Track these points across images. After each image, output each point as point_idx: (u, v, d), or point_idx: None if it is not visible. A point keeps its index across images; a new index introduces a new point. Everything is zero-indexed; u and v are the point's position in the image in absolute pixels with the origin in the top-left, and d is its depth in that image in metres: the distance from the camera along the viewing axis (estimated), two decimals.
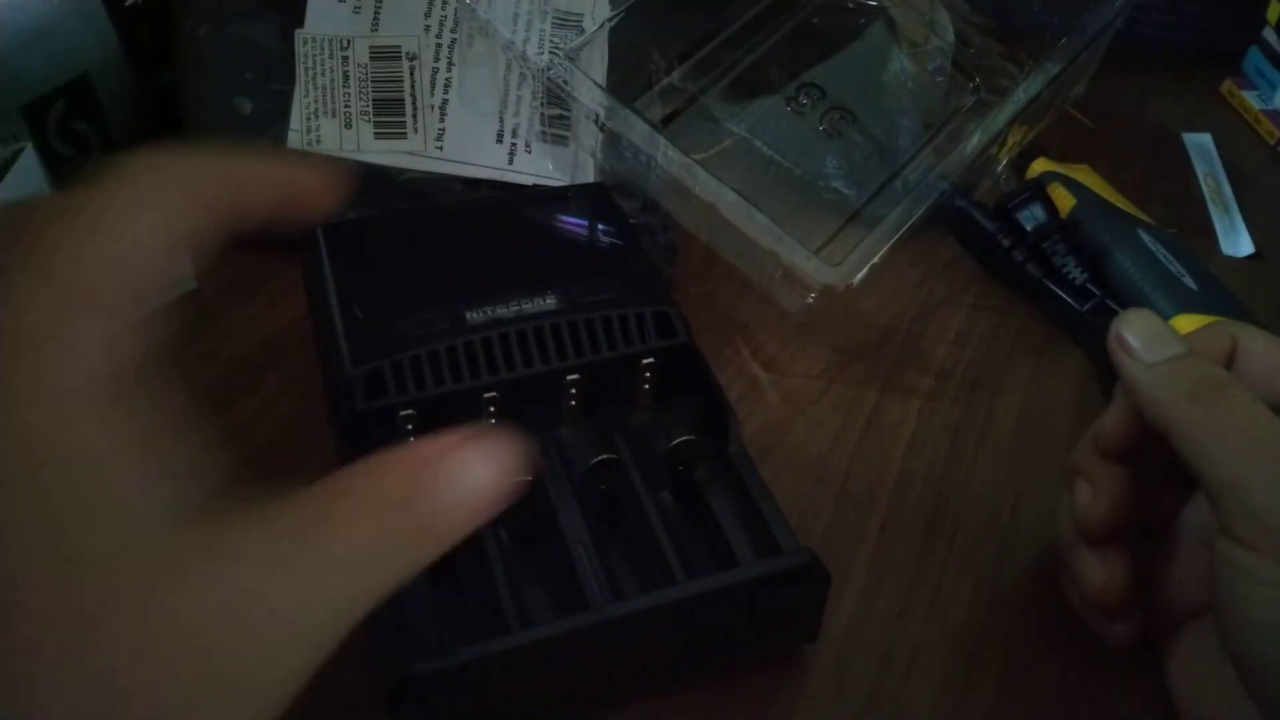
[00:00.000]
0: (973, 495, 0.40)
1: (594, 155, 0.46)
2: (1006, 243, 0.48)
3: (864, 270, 0.40)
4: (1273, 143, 0.58)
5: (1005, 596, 0.37)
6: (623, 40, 0.46)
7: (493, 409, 0.35)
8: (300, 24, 0.45)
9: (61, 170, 0.44)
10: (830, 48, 0.51)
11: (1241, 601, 0.27)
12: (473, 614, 0.32)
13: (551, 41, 0.47)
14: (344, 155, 0.45)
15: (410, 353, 0.34)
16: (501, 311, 0.35)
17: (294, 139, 0.45)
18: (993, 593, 0.37)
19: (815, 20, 0.52)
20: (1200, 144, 0.58)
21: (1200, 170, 0.56)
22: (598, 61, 0.45)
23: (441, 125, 0.45)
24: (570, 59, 0.44)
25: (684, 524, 0.35)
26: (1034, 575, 0.37)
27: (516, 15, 0.47)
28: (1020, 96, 0.46)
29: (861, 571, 0.37)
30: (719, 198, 0.41)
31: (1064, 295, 0.46)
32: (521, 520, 0.33)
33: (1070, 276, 0.47)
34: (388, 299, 0.36)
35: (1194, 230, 0.52)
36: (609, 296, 0.36)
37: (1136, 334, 0.31)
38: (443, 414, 0.33)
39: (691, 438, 0.35)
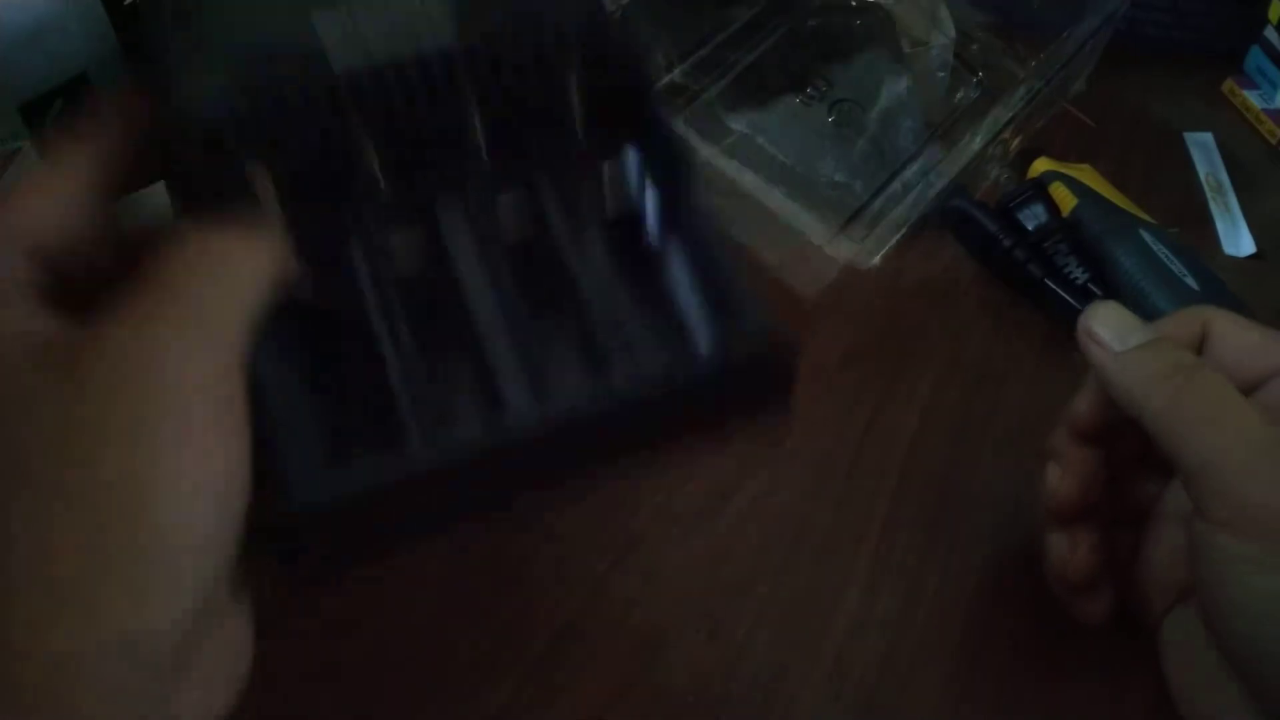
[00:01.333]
0: (974, 496, 0.40)
1: None
2: (1007, 242, 0.47)
3: (885, 249, 0.40)
4: (1274, 142, 0.58)
5: (1006, 597, 0.37)
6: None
7: (378, 170, 0.27)
8: None
9: None
10: (831, 45, 0.51)
11: (1219, 581, 0.28)
12: (369, 425, 0.26)
13: None
14: None
15: (257, 97, 0.25)
16: (366, 24, 0.26)
17: None
18: (994, 594, 0.37)
19: (817, 18, 0.52)
20: (1202, 143, 0.57)
21: (1202, 170, 0.56)
22: None
23: None
24: None
25: (628, 300, 0.28)
26: (1035, 576, 0.37)
27: None
28: (1023, 92, 0.46)
29: (863, 572, 0.37)
30: (740, 179, 0.41)
31: (1065, 295, 0.46)
32: (426, 308, 0.27)
33: (1071, 276, 0.47)
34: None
35: (1195, 230, 0.52)
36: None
37: (1105, 324, 0.31)
38: (312, 178, 0.26)
39: (638, 192, 0.29)
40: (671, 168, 0.28)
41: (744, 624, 0.35)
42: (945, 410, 0.43)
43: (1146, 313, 0.33)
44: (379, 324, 0.26)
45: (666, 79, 0.48)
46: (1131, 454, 0.34)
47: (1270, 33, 0.60)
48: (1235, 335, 0.32)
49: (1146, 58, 0.60)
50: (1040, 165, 0.51)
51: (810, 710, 0.33)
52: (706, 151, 0.45)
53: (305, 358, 0.26)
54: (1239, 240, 0.52)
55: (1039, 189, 0.49)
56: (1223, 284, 0.46)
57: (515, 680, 0.33)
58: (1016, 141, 0.50)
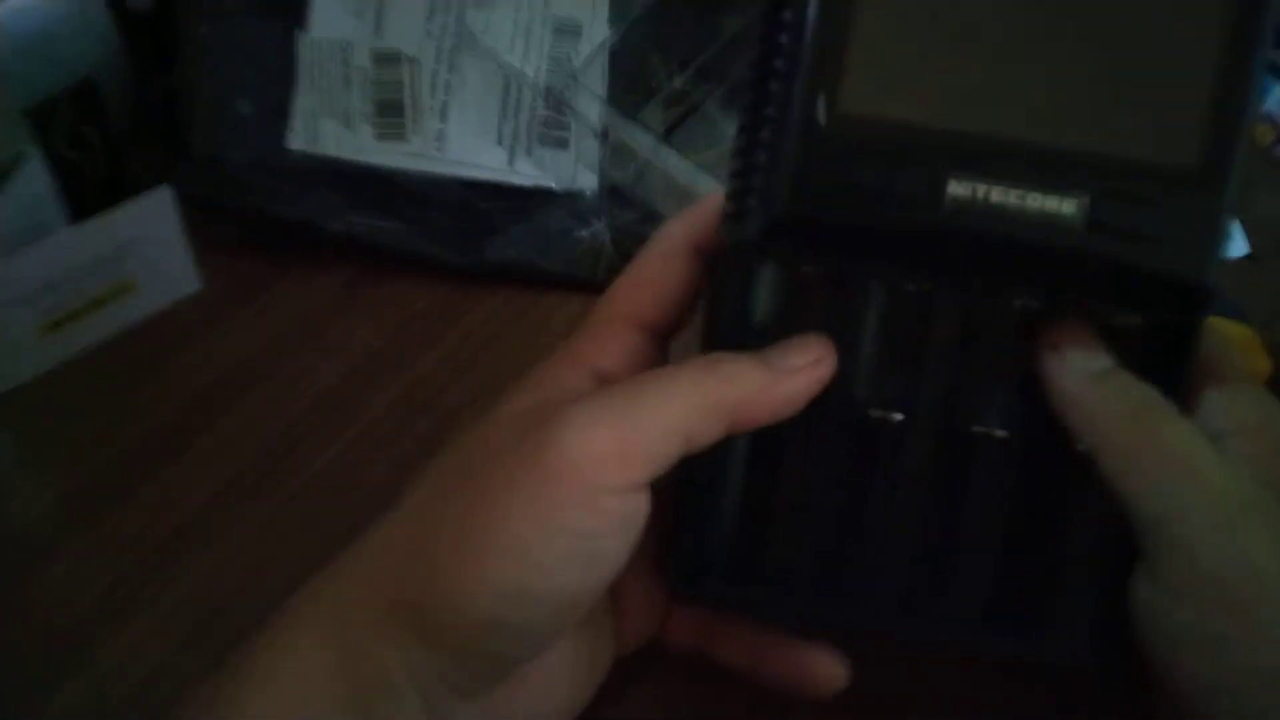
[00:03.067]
0: None
1: (598, 167, 0.46)
2: None
3: None
4: (1268, 143, 0.58)
5: None
6: (624, 49, 0.46)
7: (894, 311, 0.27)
8: (302, 26, 0.45)
9: (67, 174, 0.44)
10: None
11: (1176, 662, 0.24)
12: (765, 549, 0.28)
13: (551, 51, 0.46)
14: (344, 156, 0.45)
15: (866, 214, 0.25)
16: (998, 198, 0.25)
17: (294, 140, 0.45)
18: None
19: None
20: None
21: None
22: (599, 73, 0.46)
23: (442, 127, 0.45)
24: (573, 76, 0.44)
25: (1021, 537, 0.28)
26: None
27: (516, 23, 0.47)
28: None
29: None
30: None
31: None
32: (855, 461, 0.28)
33: None
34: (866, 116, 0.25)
35: None
36: (1146, 223, 0.25)
37: (1072, 341, 0.27)
38: (840, 290, 0.27)
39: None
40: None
41: None
42: None
43: None
44: (813, 462, 0.28)
45: (667, 88, 0.49)
46: None
47: None
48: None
49: None
50: None
51: (810, 707, 0.33)
52: (706, 156, 0.45)
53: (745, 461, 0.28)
54: (1233, 241, 0.52)
55: None
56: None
57: None
58: None
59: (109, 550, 0.37)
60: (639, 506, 0.25)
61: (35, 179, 0.43)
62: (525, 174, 0.46)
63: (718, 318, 0.28)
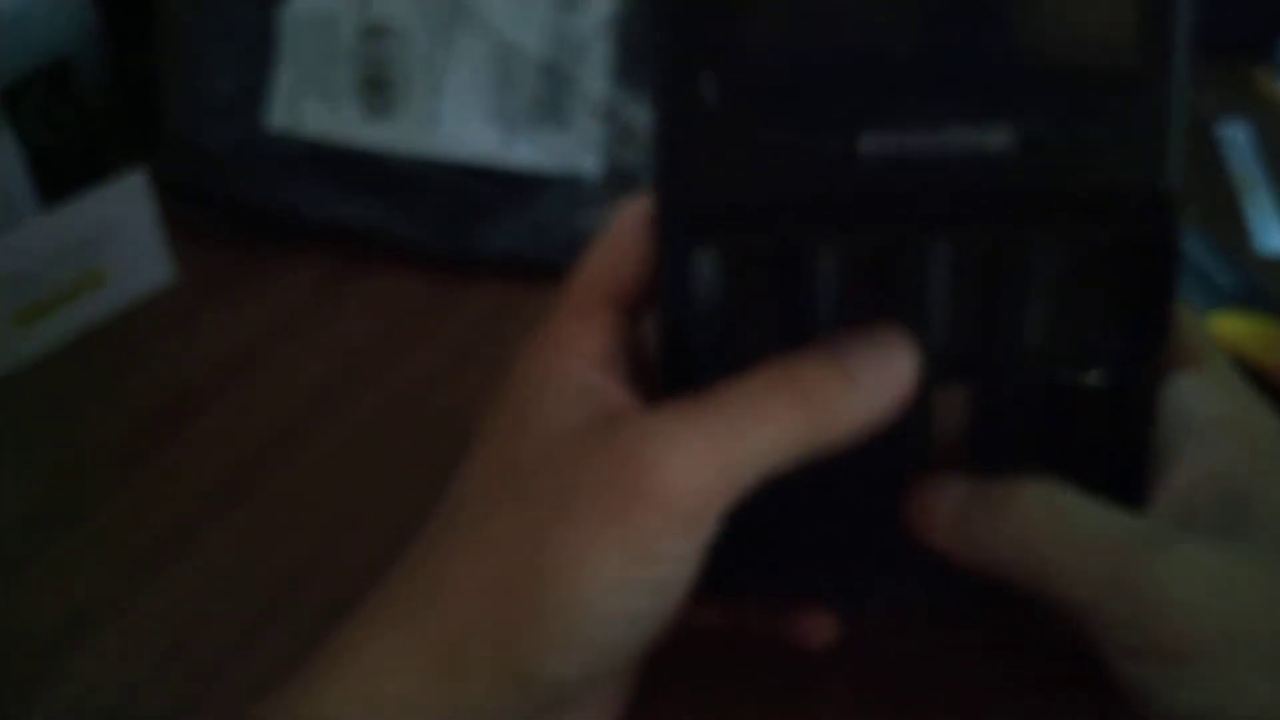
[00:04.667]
0: None
1: (600, 150, 0.46)
2: None
3: None
4: None
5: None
6: (629, 22, 0.46)
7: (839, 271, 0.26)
8: (285, 1, 0.45)
9: (40, 158, 0.44)
10: None
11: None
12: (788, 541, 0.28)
13: (552, 25, 0.46)
14: (328, 137, 0.45)
15: (768, 191, 0.24)
16: (913, 143, 0.24)
17: (275, 119, 0.45)
18: None
19: None
20: (1233, 135, 0.57)
21: (1233, 162, 0.55)
22: (602, 49, 0.45)
23: (433, 106, 0.45)
24: (574, 52, 0.44)
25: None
26: None
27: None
28: None
29: None
30: None
31: None
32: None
33: None
34: (757, 84, 0.24)
35: (1227, 224, 0.51)
36: (1079, 149, 0.24)
37: (920, 493, 0.27)
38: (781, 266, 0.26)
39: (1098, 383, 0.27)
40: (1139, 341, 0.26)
41: None
42: None
43: None
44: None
45: None
46: None
47: None
48: None
49: None
50: None
51: (810, 696, 0.32)
52: None
53: None
54: (1272, 235, 0.51)
55: None
56: (1255, 280, 0.45)
57: None
58: None
59: (84, 556, 0.36)
60: (715, 528, 0.24)
61: (6, 163, 0.42)
62: (522, 156, 0.45)
63: (667, 310, 0.26)
